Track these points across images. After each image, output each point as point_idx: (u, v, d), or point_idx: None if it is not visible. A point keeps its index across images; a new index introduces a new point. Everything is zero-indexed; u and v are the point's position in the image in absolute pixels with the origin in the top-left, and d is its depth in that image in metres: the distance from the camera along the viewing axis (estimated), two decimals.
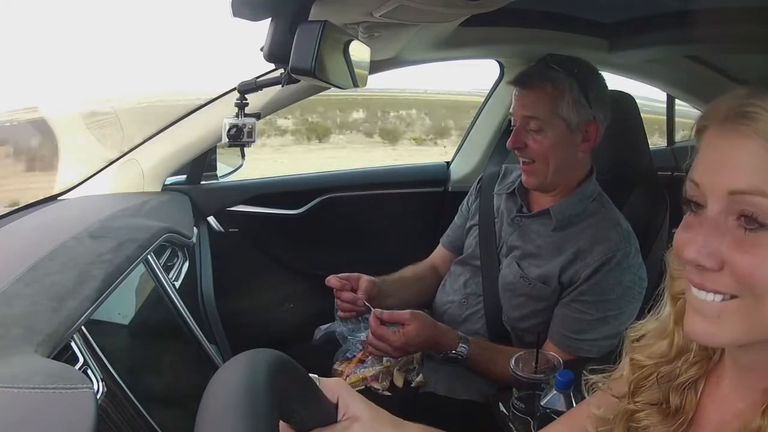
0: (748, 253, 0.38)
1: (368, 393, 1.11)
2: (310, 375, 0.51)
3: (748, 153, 0.38)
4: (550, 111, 1.03)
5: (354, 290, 1.11)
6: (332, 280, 1.11)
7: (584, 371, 0.57)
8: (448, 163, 1.82)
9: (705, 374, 0.48)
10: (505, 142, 1.12)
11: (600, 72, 1.15)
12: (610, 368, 0.56)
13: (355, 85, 0.84)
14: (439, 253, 1.32)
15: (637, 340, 0.52)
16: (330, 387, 0.54)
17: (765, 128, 0.38)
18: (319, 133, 9.45)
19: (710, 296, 0.40)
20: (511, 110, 1.09)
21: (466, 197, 1.31)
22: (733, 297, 0.39)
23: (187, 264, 1.17)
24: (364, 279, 1.12)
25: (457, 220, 1.31)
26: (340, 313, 1.14)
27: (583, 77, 1.07)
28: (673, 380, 0.48)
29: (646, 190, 1.27)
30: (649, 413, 0.48)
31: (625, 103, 1.32)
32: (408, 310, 1.02)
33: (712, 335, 0.41)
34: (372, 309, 1.04)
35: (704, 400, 0.48)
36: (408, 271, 1.28)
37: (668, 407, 0.47)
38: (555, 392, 0.81)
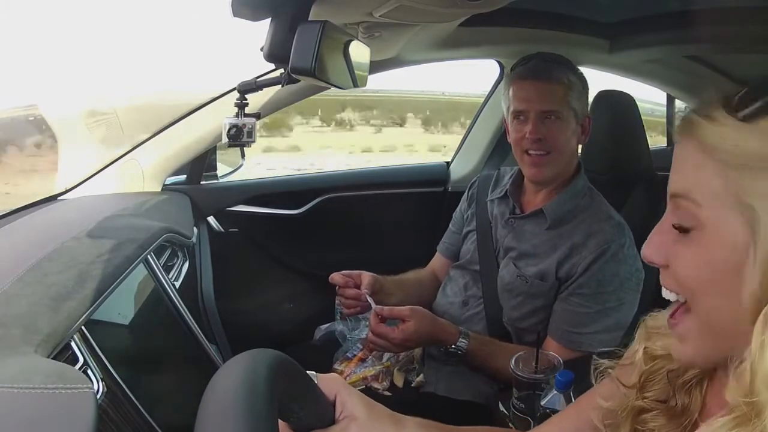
0: (679, 253, 0.40)
1: (368, 393, 1.10)
2: (309, 372, 0.51)
3: (686, 155, 0.39)
4: (565, 101, 1.06)
5: (357, 287, 1.12)
6: (336, 277, 1.13)
7: (594, 356, 0.57)
8: (448, 163, 1.83)
9: (708, 374, 0.47)
10: (505, 143, 1.12)
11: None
12: (620, 351, 0.55)
13: (355, 85, 0.84)
14: (437, 261, 1.33)
15: (656, 328, 0.52)
16: (327, 384, 0.53)
17: (702, 133, 0.38)
18: None
19: (668, 294, 0.42)
20: (516, 105, 1.08)
21: (459, 204, 1.31)
22: (687, 309, 0.41)
23: (187, 264, 1.17)
24: (366, 275, 1.13)
25: (452, 227, 1.32)
26: (344, 310, 1.14)
27: (581, 74, 1.12)
28: (680, 376, 0.48)
29: (646, 190, 1.28)
30: (655, 414, 0.48)
31: (625, 103, 1.32)
32: (407, 306, 1.03)
33: (680, 353, 0.43)
34: (373, 306, 1.05)
35: (709, 403, 0.47)
36: (410, 273, 1.29)
37: (675, 406, 0.47)
38: (555, 392, 0.81)
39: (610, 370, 0.55)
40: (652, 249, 0.42)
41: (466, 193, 1.30)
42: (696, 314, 0.40)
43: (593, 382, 0.56)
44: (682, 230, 0.39)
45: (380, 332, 1.01)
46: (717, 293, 0.38)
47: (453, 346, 1.03)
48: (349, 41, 0.79)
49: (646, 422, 0.48)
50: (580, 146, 1.15)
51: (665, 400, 0.48)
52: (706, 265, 0.38)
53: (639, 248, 1.10)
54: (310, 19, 0.72)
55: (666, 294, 0.42)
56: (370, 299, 1.07)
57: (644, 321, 0.53)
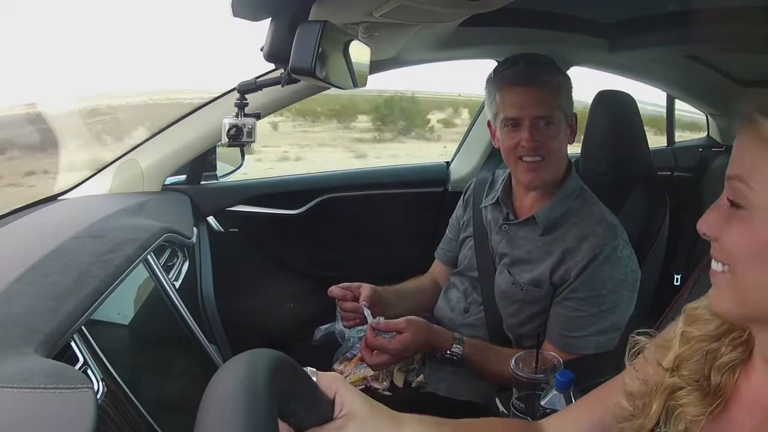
0: (729, 229, 0.45)
1: (368, 393, 1.10)
2: (308, 369, 0.51)
3: (745, 145, 0.45)
4: (556, 105, 1.05)
5: (356, 299, 1.11)
6: (334, 290, 1.12)
7: (631, 334, 0.59)
8: (448, 163, 1.82)
9: (743, 361, 0.50)
10: None
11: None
12: (655, 333, 0.58)
13: (355, 85, 0.84)
14: (437, 268, 1.33)
15: (697, 317, 0.54)
16: (327, 382, 0.53)
17: (762, 128, 0.43)
18: None
19: (716, 264, 0.47)
20: (508, 111, 1.05)
21: (455, 211, 1.30)
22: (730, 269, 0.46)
23: (187, 264, 1.17)
24: (365, 287, 1.12)
25: (448, 233, 1.31)
26: (344, 323, 1.14)
27: (565, 73, 1.11)
28: (717, 359, 0.50)
29: (646, 190, 1.27)
30: (690, 390, 0.50)
31: (625, 103, 1.32)
32: (403, 318, 1.03)
33: (716, 302, 0.48)
34: (369, 320, 1.04)
35: (741, 389, 0.49)
36: (410, 282, 1.28)
37: (709, 385, 0.50)
38: (555, 392, 0.81)
39: (647, 345, 0.57)
40: (706, 224, 0.47)
41: (461, 198, 1.29)
42: (735, 278, 0.45)
43: (626, 362, 0.58)
44: (734, 205, 0.44)
45: (377, 345, 1.01)
46: (758, 268, 0.43)
47: (448, 352, 1.03)
48: (349, 41, 0.79)
49: (679, 397, 0.51)
50: (579, 146, 1.15)
51: (699, 378, 0.50)
52: (752, 241, 0.43)
53: (637, 249, 1.10)
54: (310, 19, 0.72)
55: (714, 266, 0.47)
56: (367, 312, 1.07)
57: (686, 308, 0.56)
